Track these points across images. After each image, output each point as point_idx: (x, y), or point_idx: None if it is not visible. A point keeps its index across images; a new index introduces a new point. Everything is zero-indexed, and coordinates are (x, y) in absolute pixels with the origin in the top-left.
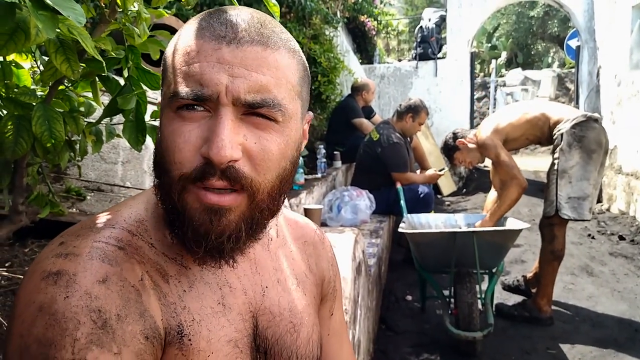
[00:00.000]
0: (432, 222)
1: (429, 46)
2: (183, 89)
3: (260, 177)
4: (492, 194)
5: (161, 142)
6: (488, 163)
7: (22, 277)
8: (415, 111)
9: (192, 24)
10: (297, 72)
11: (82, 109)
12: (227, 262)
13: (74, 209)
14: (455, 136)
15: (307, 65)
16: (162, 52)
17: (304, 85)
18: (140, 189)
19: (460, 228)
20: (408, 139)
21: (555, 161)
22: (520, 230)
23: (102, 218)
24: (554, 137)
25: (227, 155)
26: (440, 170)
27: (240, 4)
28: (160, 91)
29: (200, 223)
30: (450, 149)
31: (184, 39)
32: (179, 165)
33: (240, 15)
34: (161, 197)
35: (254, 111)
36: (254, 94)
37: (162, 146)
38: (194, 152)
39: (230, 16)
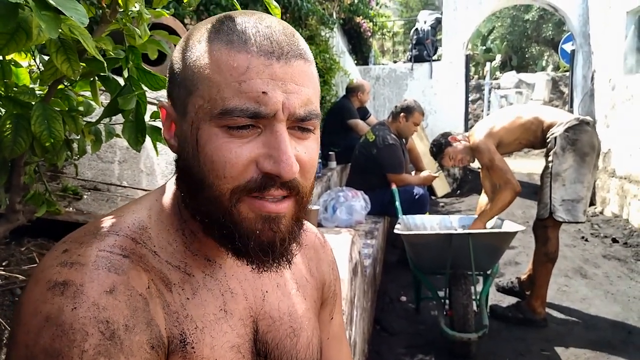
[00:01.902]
0: (427, 224)
1: (424, 48)
2: (237, 107)
3: (306, 182)
4: (484, 197)
5: (199, 158)
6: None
7: (19, 276)
8: (408, 111)
9: (221, 32)
10: (318, 80)
11: (81, 108)
12: (289, 264)
13: (71, 208)
14: (446, 134)
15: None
16: (160, 53)
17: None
18: (137, 189)
19: (455, 230)
20: (404, 140)
21: (549, 164)
22: (515, 233)
23: (105, 223)
24: (548, 141)
25: (294, 172)
26: (435, 173)
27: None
28: (185, 101)
29: (261, 232)
30: (441, 145)
31: (220, 49)
32: (231, 179)
33: (273, 26)
34: (200, 213)
35: (300, 123)
36: (304, 107)
37: (202, 162)
38: (246, 166)
39: (267, 28)
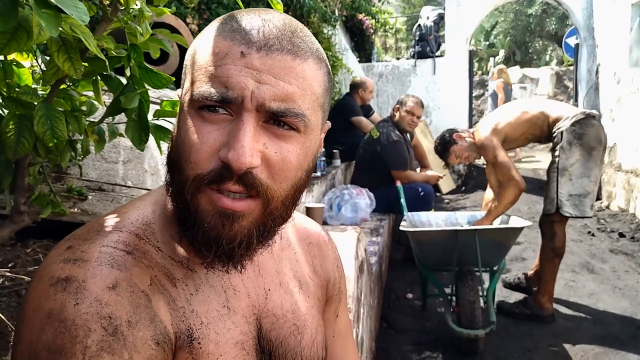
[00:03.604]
0: (432, 221)
1: (427, 44)
2: (208, 89)
3: (276, 186)
4: (489, 192)
5: (177, 139)
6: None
7: (25, 277)
8: (400, 102)
9: (223, 23)
10: (322, 84)
11: (84, 108)
12: (235, 268)
13: (76, 209)
14: (451, 131)
15: (332, 75)
16: (163, 52)
17: (326, 97)
18: (142, 188)
19: (461, 226)
20: (408, 136)
21: (556, 159)
22: (522, 229)
23: (109, 220)
24: (554, 135)
25: (246, 162)
26: (441, 173)
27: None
28: (180, 88)
29: (211, 226)
30: (447, 143)
31: (213, 38)
32: (194, 165)
33: (273, 21)
34: (172, 194)
35: (278, 119)
36: (279, 102)
37: (179, 143)
38: (211, 153)
39: (263, 21)
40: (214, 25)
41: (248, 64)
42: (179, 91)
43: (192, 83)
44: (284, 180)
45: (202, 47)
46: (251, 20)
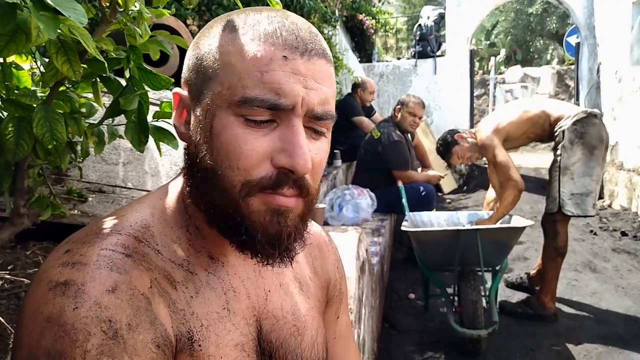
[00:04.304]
0: (434, 220)
1: (427, 44)
2: (258, 96)
3: (315, 184)
4: (491, 191)
5: (212, 144)
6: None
7: (25, 280)
8: (401, 103)
9: (245, 23)
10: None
11: (83, 110)
12: (290, 262)
13: (76, 211)
14: (453, 132)
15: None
16: (163, 53)
17: None
18: (142, 190)
19: (463, 226)
20: (409, 136)
21: (558, 158)
22: (524, 228)
23: (108, 223)
24: (555, 134)
25: (309, 167)
26: (443, 173)
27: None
28: (202, 87)
29: (269, 225)
30: (448, 144)
31: (246, 40)
32: (243, 171)
33: (299, 24)
34: (209, 201)
35: (316, 122)
36: (322, 106)
37: (218, 150)
38: (261, 160)
39: (292, 24)
40: (232, 23)
41: (295, 69)
42: (181, 91)
43: (231, 87)
44: (318, 179)
45: (231, 46)
46: (281, 22)
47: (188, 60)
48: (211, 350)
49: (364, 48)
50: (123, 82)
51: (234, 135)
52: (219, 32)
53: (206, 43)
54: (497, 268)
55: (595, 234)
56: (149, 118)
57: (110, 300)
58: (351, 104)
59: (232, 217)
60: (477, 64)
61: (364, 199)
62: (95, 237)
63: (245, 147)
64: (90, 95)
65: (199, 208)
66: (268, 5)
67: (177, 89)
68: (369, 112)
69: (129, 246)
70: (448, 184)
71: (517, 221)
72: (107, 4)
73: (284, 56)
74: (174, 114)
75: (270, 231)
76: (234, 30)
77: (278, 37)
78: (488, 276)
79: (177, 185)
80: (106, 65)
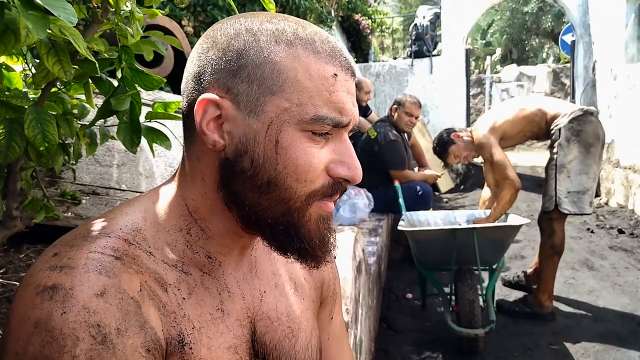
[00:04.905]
0: (431, 220)
1: (423, 44)
2: (329, 116)
3: None
4: (486, 190)
5: (281, 159)
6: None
7: (17, 283)
8: (398, 102)
9: (297, 37)
10: None
11: (75, 111)
12: (330, 262)
13: (69, 213)
14: (449, 131)
15: None
16: (156, 53)
17: None
18: (136, 192)
19: (459, 225)
20: (405, 136)
21: (554, 156)
22: (520, 226)
23: (96, 226)
24: (552, 132)
25: (361, 178)
26: (439, 172)
27: (234, 2)
28: (261, 100)
29: (323, 231)
30: (445, 143)
31: (309, 58)
32: (309, 182)
33: (336, 42)
34: (265, 213)
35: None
36: None
37: (285, 164)
38: (322, 171)
39: (336, 43)
40: (283, 35)
41: (348, 89)
42: (216, 97)
43: (301, 105)
44: None
45: (295, 63)
46: (328, 40)
47: (220, 64)
48: (203, 353)
49: (360, 48)
50: (115, 83)
51: (303, 150)
52: (270, 42)
53: (260, 54)
54: (494, 267)
55: (592, 231)
56: (142, 119)
57: (98, 304)
58: None
59: (293, 226)
60: (473, 63)
61: (361, 199)
62: (83, 240)
63: (314, 160)
64: (83, 96)
65: (239, 214)
66: (263, 7)
67: (208, 95)
68: (365, 111)
69: (119, 249)
70: (445, 183)
71: (513, 219)
72: (99, 4)
73: (343, 77)
74: (201, 121)
75: (322, 236)
76: (292, 46)
77: (337, 57)
78: (485, 275)
79: (171, 189)
80: (97, 65)
